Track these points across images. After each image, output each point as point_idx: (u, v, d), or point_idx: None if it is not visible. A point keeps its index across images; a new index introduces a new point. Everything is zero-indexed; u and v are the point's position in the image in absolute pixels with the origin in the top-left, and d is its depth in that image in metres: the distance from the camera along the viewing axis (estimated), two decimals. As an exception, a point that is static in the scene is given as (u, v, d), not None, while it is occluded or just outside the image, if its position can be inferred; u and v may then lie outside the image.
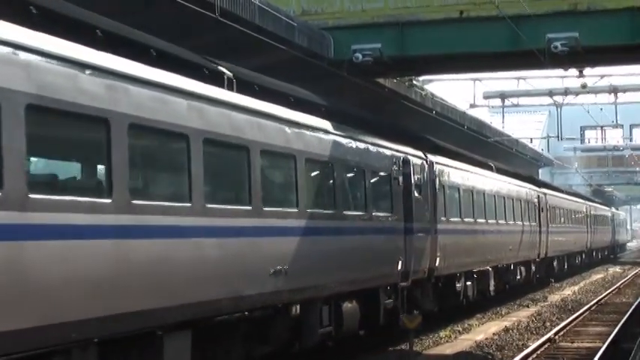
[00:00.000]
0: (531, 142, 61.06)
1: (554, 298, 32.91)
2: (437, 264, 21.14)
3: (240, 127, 12.10)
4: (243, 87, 12.94)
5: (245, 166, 12.26)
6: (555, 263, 40.82)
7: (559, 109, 44.13)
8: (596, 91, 41.10)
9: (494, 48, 22.79)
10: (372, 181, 17.22)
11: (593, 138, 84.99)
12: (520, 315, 26.38)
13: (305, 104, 15.34)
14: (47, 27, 8.90)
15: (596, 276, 48.03)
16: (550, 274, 39.44)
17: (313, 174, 14.83)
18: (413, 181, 19.78)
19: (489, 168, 29.83)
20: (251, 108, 12.53)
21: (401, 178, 19.01)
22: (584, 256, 51.96)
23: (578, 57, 22.45)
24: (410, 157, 19.76)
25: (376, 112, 24.98)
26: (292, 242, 13.63)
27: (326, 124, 15.29)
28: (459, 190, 23.84)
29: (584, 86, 37.72)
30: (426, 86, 33.69)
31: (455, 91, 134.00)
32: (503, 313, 27.23)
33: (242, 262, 12.00)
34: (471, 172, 25.74)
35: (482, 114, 55.16)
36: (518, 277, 31.72)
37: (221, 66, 12.69)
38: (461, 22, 22.56)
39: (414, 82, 30.85)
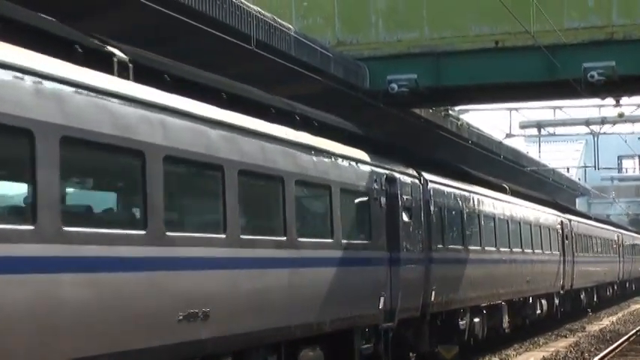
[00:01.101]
0: (568, 171, 60.90)
1: (592, 328, 32.23)
2: (432, 299, 18.13)
3: (130, 125, 9.08)
4: (146, 75, 9.93)
5: (138, 177, 9.23)
6: (583, 295, 37.83)
7: (596, 138, 43.46)
8: (633, 120, 40.54)
9: (530, 78, 22.59)
10: (342, 201, 14.13)
11: (630, 167, 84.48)
12: (558, 345, 25.89)
13: (249, 103, 12.34)
14: None
15: (635, 306, 47.14)
16: (577, 307, 36.37)
17: (252, 191, 11.78)
18: (401, 203, 16.79)
19: (503, 190, 26.68)
20: (150, 102, 9.51)
21: (384, 199, 15.98)
22: (615, 287, 49.01)
23: (615, 86, 22.07)
24: (397, 175, 16.71)
25: (412, 141, 24.75)
26: (218, 277, 10.64)
27: (272, 128, 12.25)
28: (461, 213, 20.76)
29: (621, 115, 37.49)
30: (461, 116, 32.97)
31: (491, 120, 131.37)
32: (540, 343, 26.80)
33: (130, 306, 8.98)
34: (478, 194, 22.60)
35: (518, 143, 54.31)
36: (539, 311, 28.67)
37: (112, 46, 9.63)
38: (497, 52, 22.33)
39: (450, 112, 30.58)
